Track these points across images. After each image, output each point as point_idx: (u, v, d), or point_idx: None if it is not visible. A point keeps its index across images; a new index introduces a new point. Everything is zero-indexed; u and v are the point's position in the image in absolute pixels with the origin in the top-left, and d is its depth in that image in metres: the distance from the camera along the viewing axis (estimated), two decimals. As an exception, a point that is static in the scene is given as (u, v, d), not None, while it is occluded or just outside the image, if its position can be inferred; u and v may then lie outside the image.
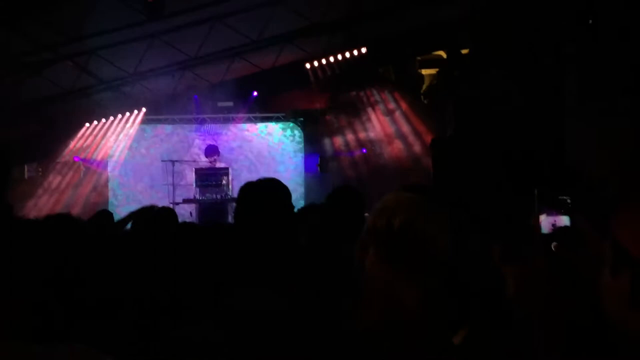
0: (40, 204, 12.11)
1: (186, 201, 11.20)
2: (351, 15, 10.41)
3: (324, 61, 11.49)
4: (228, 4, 9.54)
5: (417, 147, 12.35)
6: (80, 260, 1.67)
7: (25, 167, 12.37)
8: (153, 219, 3.40)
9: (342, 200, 3.18)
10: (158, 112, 12.47)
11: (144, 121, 12.51)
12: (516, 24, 9.35)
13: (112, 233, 4.00)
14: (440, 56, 11.69)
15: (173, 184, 11.71)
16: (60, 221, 2.08)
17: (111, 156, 12.70)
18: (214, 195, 10.95)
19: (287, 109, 12.95)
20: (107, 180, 12.75)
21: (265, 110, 12.91)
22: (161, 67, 11.00)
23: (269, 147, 12.99)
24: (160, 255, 2.67)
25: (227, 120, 12.87)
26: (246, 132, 13.00)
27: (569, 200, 7.50)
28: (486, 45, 9.88)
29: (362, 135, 12.91)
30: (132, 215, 3.71)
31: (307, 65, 11.51)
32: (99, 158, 12.65)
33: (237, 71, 11.59)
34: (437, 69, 11.98)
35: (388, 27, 10.67)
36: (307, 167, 12.93)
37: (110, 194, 12.71)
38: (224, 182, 11.01)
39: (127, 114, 12.39)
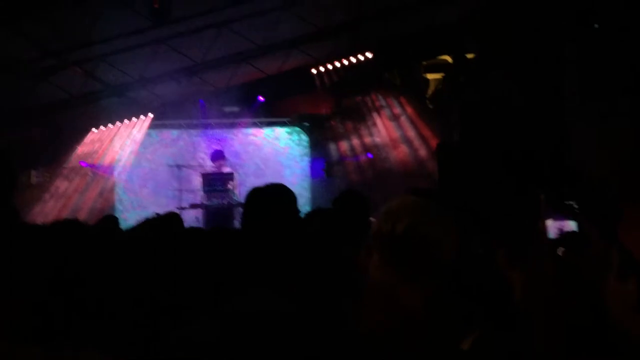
0: (47, 209, 12.12)
1: (193, 206, 11.21)
2: (356, 20, 10.43)
3: (329, 66, 11.52)
4: (234, 10, 9.56)
5: (422, 152, 12.33)
6: (81, 261, 1.68)
7: (32, 172, 12.39)
8: (155, 222, 3.41)
9: (347, 205, 3.19)
10: (164, 117, 12.50)
11: (150, 126, 12.54)
12: (516, 25, 9.35)
13: (117, 237, 4.01)
14: (446, 61, 11.69)
15: (179, 189, 11.71)
16: (64, 225, 2.09)
17: (118, 161, 12.68)
18: (221, 201, 10.95)
19: (293, 113, 12.96)
20: (113, 186, 12.73)
21: (271, 115, 12.92)
22: (167, 73, 11.03)
23: (275, 151, 12.98)
24: (160, 255, 2.67)
25: (233, 125, 12.88)
26: (252, 137, 13.00)
27: (575, 206, 7.48)
28: (489, 46, 9.89)
29: (367, 139, 12.90)
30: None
31: (313, 70, 11.53)
32: (105, 163, 12.64)
33: (243, 76, 11.62)
34: (442, 74, 11.97)
35: (393, 30, 10.68)
36: (313, 172, 12.92)
37: (116, 199, 12.70)
38: (230, 186, 11.00)
39: (134, 119, 12.43)
